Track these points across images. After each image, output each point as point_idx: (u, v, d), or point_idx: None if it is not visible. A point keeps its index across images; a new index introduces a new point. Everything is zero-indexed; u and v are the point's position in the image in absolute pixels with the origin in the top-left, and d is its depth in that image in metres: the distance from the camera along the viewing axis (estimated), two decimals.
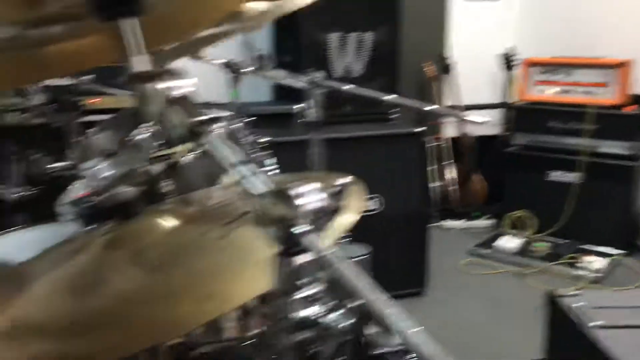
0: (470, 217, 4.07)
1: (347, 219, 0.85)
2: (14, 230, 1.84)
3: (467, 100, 4.32)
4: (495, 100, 4.44)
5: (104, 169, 1.60)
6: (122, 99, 2.84)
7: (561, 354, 1.14)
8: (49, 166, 1.97)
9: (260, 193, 0.51)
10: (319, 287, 0.53)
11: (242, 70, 1.54)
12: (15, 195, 1.95)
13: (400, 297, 3.12)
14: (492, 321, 2.86)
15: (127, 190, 0.94)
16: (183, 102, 0.55)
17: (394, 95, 1.31)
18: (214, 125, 0.57)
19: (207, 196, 1.30)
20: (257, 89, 3.70)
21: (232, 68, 1.76)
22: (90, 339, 0.73)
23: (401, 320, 0.45)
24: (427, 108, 1.56)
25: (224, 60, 1.79)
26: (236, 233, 0.86)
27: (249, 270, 0.77)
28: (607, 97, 3.51)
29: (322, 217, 0.50)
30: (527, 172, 3.79)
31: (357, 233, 3.03)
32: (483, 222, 4.05)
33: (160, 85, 0.55)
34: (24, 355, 0.72)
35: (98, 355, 0.71)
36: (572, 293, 1.12)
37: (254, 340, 1.36)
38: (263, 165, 1.56)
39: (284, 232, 0.49)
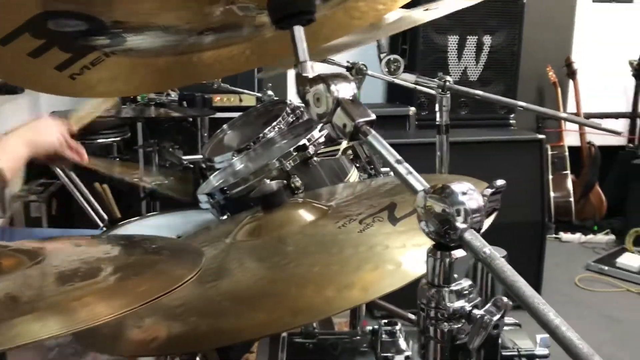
0: (588, 231, 3.87)
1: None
2: (151, 215, 2.01)
3: (590, 108, 4.12)
4: (623, 109, 4.20)
5: (238, 163, 1.71)
6: (247, 98, 3.01)
7: None
8: (182, 157, 2.13)
9: (420, 190, 0.55)
10: (470, 281, 0.56)
11: (371, 74, 1.58)
12: (153, 183, 2.13)
13: (513, 309, 3.05)
14: (609, 341, 2.71)
15: (271, 183, 1.01)
16: (350, 103, 0.60)
17: (528, 104, 1.30)
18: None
19: (333, 192, 1.36)
20: (370, 91, 3.75)
21: (355, 70, 1.81)
22: (240, 316, 0.80)
23: (557, 320, 0.46)
24: (564, 116, 1.52)
25: (348, 63, 1.85)
26: (371, 229, 0.90)
27: (386, 265, 0.81)
28: None
29: (480, 216, 0.53)
30: None
31: None
32: (603, 237, 3.84)
33: (330, 87, 0.60)
34: (184, 328, 0.80)
35: (246, 331, 0.78)
36: None
37: (365, 336, 1.41)
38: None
39: (442, 228, 0.53)
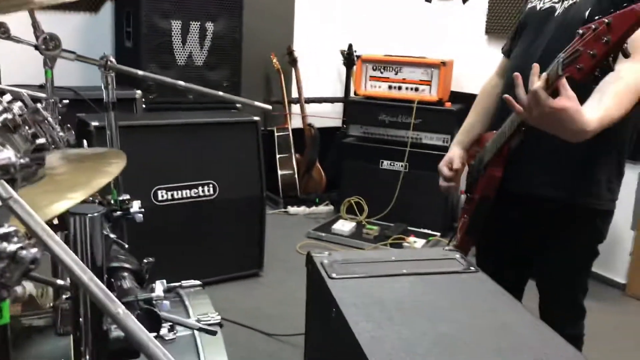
0: (311, 204, 4.31)
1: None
2: None
3: (312, 93, 4.56)
4: (339, 94, 4.73)
5: None
6: None
7: (314, 304, 1.33)
8: None
9: None
10: (15, 227, 0.64)
11: (49, 52, 1.57)
12: None
13: (238, 279, 3.27)
14: None
15: None
16: None
17: (194, 86, 1.43)
18: None
19: None
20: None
21: (42, 49, 1.78)
22: None
23: (68, 256, 0.56)
24: (238, 99, 1.69)
25: (33, 42, 1.81)
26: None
27: None
28: (430, 93, 3.89)
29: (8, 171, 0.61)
30: (360, 161, 4.09)
31: (194, 218, 3.11)
32: (324, 208, 4.31)
33: None
34: None
35: None
36: (326, 253, 1.32)
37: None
38: (71, 144, 1.62)
39: None
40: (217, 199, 3.07)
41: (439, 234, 3.89)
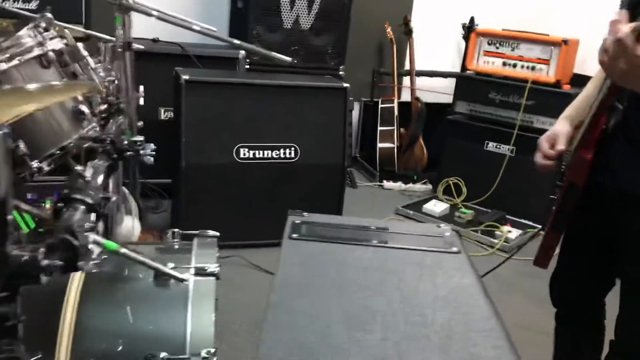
0: (408, 180, 4.17)
1: None
2: None
3: (426, 66, 4.38)
4: (458, 69, 4.48)
5: None
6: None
7: None
8: None
9: None
10: None
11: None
12: None
13: None
14: None
15: None
16: None
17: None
18: None
19: None
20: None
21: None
22: None
23: None
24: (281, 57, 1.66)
25: None
26: None
27: None
28: (547, 74, 3.54)
29: None
30: (464, 141, 3.86)
31: (273, 179, 3.14)
32: (420, 187, 4.15)
33: None
34: None
35: None
36: (305, 214, 1.25)
37: None
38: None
39: None
40: (297, 163, 3.07)
41: (540, 226, 3.56)
